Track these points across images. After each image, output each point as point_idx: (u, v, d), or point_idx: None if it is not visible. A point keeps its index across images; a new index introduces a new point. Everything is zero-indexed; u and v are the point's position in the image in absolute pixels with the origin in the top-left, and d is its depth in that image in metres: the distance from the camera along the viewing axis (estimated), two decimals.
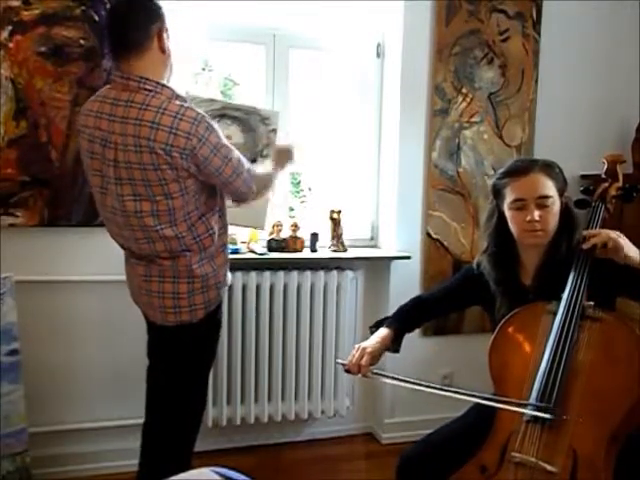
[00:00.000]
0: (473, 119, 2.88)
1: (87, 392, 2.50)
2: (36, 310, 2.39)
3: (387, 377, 1.64)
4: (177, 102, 1.69)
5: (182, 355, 1.88)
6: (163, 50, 1.74)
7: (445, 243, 2.90)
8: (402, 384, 1.60)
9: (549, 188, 1.64)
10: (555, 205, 1.65)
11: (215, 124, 1.74)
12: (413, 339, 2.90)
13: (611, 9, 3.03)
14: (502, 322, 1.64)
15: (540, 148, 2.94)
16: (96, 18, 2.34)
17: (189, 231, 1.75)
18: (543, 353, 1.51)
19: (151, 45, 1.71)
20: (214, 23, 2.62)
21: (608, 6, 3.02)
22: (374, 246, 3.00)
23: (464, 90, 2.85)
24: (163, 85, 1.72)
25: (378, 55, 2.92)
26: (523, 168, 1.66)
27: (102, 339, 2.48)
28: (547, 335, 1.53)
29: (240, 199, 1.86)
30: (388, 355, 2.90)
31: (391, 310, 2.92)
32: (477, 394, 1.54)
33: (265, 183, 1.97)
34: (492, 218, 1.76)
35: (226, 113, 2.10)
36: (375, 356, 1.69)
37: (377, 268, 2.92)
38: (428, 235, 2.88)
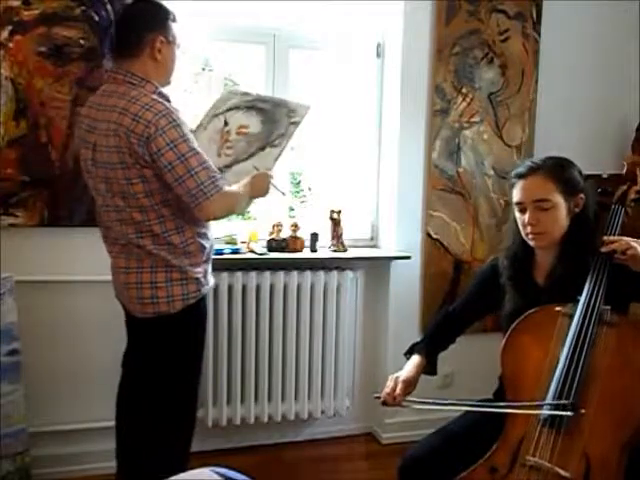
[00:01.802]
0: (473, 119, 2.88)
1: (87, 392, 2.50)
2: (36, 310, 2.39)
3: (422, 403, 1.63)
4: (153, 96, 1.76)
5: (163, 347, 1.87)
6: (155, 58, 1.81)
7: (445, 243, 2.90)
8: (437, 407, 1.60)
9: (548, 191, 1.62)
10: (557, 208, 1.62)
11: (185, 125, 1.74)
12: (413, 339, 2.91)
13: (611, 9, 3.03)
14: (516, 322, 1.62)
15: (540, 148, 2.93)
16: (96, 18, 2.34)
17: (157, 221, 1.78)
18: (559, 356, 1.49)
19: (142, 52, 1.80)
20: (214, 23, 2.62)
21: (608, 6, 3.02)
22: (374, 246, 3.00)
23: (464, 90, 2.85)
24: (147, 81, 1.80)
25: (378, 55, 2.92)
26: (526, 170, 1.66)
27: (102, 339, 2.47)
28: (563, 338, 1.52)
29: (193, 205, 1.73)
30: (388, 355, 2.92)
31: (391, 310, 2.95)
32: (513, 404, 1.52)
33: (234, 200, 1.84)
34: (512, 216, 1.76)
35: (255, 105, 2.09)
36: (409, 384, 1.69)
37: (377, 268, 2.92)
38: (428, 235, 2.88)
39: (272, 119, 2.05)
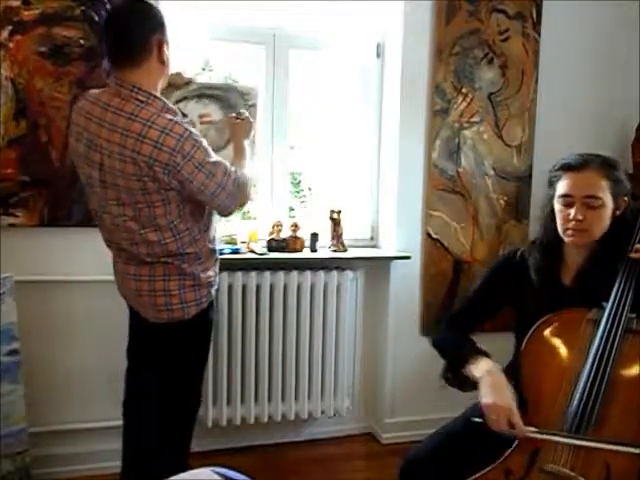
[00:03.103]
0: (473, 119, 2.88)
1: (87, 392, 2.50)
2: (36, 310, 2.39)
3: (554, 435, 1.42)
4: (167, 116, 1.67)
5: (175, 352, 1.86)
6: (162, 61, 1.73)
7: (445, 243, 2.90)
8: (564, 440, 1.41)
9: (600, 189, 1.56)
10: (605, 207, 1.57)
11: (202, 139, 1.71)
12: (413, 339, 2.92)
13: (611, 9, 3.03)
14: (538, 324, 1.58)
15: (540, 148, 2.93)
16: (96, 18, 2.34)
17: (173, 239, 1.76)
18: (584, 363, 1.46)
19: (150, 56, 1.70)
20: (214, 23, 2.62)
21: (608, 6, 3.02)
22: (374, 246, 3.00)
23: (464, 90, 2.85)
24: (155, 96, 1.70)
25: (378, 55, 2.92)
26: (579, 163, 1.59)
27: (102, 339, 2.47)
28: (587, 345, 1.49)
29: (225, 213, 1.82)
30: (388, 355, 2.92)
31: (391, 310, 2.94)
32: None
33: (249, 182, 1.87)
34: (546, 208, 1.69)
35: (204, 92, 2.06)
36: (516, 402, 1.48)
37: (377, 268, 2.92)
38: (428, 235, 2.87)
39: (229, 104, 2.01)
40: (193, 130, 1.70)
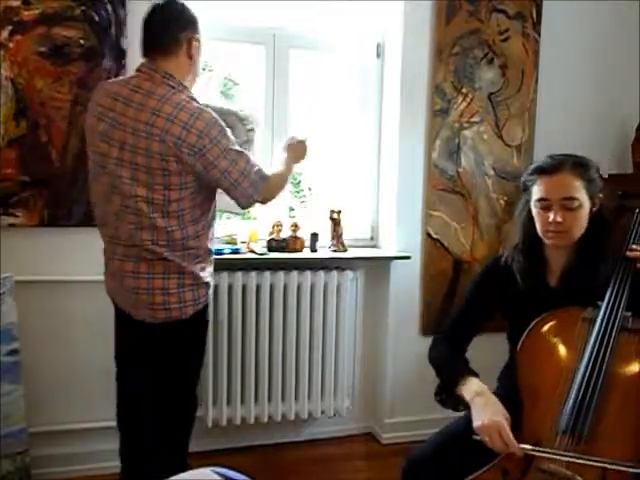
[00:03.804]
0: (473, 119, 2.88)
1: (87, 392, 2.50)
2: (36, 310, 2.39)
3: (549, 453, 1.39)
4: (195, 103, 1.76)
5: (172, 353, 1.86)
6: (190, 56, 1.83)
7: (445, 243, 2.90)
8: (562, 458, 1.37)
9: (576, 189, 1.57)
10: (582, 208, 1.58)
11: (228, 129, 1.79)
12: (413, 339, 2.92)
13: (611, 9, 3.03)
14: (533, 323, 1.58)
15: (540, 148, 2.94)
16: (96, 18, 2.34)
17: (179, 227, 1.76)
18: (580, 362, 1.46)
19: (180, 49, 1.80)
20: (214, 23, 2.62)
21: (608, 6, 3.02)
22: (374, 246, 3.00)
23: (464, 90, 2.85)
24: (184, 87, 1.80)
25: (378, 55, 2.92)
26: (552, 166, 1.60)
27: (102, 339, 2.46)
28: (583, 343, 1.49)
29: (246, 203, 1.86)
30: (388, 355, 2.92)
31: (391, 310, 2.94)
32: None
33: (279, 183, 1.97)
34: (522, 213, 1.70)
35: None
36: (508, 421, 1.46)
37: (377, 268, 2.92)
38: (428, 235, 2.88)
39: (228, 125, 2.07)
40: (218, 117, 1.77)
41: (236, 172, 1.77)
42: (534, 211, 1.64)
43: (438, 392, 1.69)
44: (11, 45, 2.26)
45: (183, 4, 1.85)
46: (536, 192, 1.62)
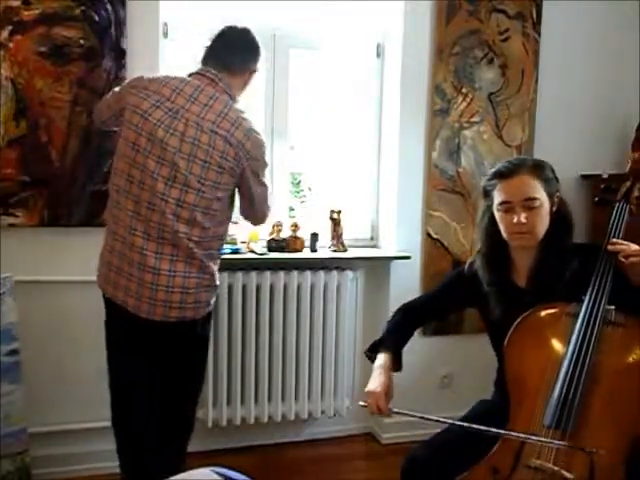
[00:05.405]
0: (473, 119, 2.88)
1: (87, 392, 2.50)
2: (36, 310, 2.39)
3: (409, 415, 1.58)
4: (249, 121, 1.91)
5: (183, 353, 1.87)
6: (245, 84, 2.01)
7: (445, 243, 2.90)
8: (425, 421, 1.58)
9: (536, 190, 1.62)
10: (543, 207, 1.63)
11: None
12: (413, 339, 2.91)
13: (611, 9, 3.03)
14: (519, 320, 1.61)
15: (540, 148, 2.93)
16: (96, 18, 2.34)
17: (212, 226, 1.84)
18: (564, 355, 1.49)
19: (241, 76, 1.98)
20: (214, 23, 2.62)
21: (608, 6, 3.02)
22: (374, 246, 3.00)
23: (464, 90, 2.85)
24: (236, 103, 1.95)
25: (378, 55, 2.92)
26: (510, 170, 1.65)
27: (102, 339, 2.46)
28: (567, 337, 1.51)
29: (257, 220, 2.09)
30: None
31: (391, 310, 2.93)
32: (513, 434, 1.46)
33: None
34: (484, 218, 1.75)
35: None
36: (388, 392, 1.66)
37: (377, 268, 2.92)
38: (428, 235, 2.88)
39: None
40: None
41: (263, 193, 1.98)
42: (497, 215, 1.68)
43: (369, 349, 1.81)
44: (11, 45, 2.26)
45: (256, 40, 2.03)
46: (497, 196, 1.66)
